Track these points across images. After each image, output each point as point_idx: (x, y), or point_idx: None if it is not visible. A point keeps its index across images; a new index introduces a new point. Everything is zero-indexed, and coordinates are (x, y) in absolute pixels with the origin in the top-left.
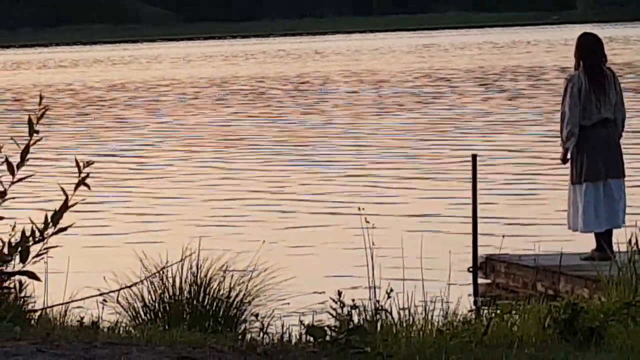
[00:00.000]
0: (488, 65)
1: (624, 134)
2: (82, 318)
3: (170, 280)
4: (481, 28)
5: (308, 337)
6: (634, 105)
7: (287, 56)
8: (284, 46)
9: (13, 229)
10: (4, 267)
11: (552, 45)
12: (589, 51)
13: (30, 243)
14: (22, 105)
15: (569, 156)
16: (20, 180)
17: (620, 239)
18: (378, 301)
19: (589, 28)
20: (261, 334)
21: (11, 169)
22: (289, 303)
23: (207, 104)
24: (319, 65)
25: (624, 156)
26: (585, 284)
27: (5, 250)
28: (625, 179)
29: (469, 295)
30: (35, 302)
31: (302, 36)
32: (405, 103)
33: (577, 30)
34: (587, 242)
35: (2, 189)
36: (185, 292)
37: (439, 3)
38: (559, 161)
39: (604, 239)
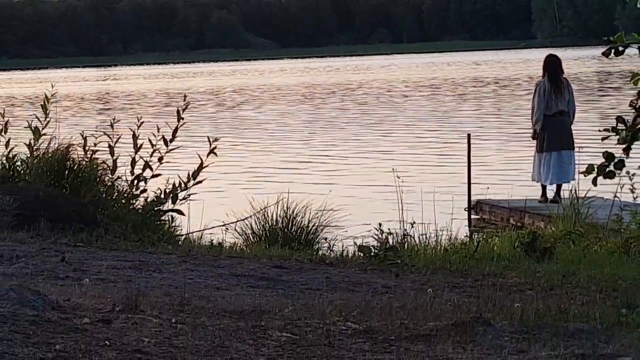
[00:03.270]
0: (479, 75)
1: (574, 121)
2: (211, 240)
3: (270, 215)
4: (474, 51)
5: (359, 253)
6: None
7: (337, 70)
8: (342, 63)
9: (167, 182)
10: (161, 207)
11: (519, 63)
12: (551, 66)
13: (178, 191)
14: (176, 102)
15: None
16: (171, 150)
17: (566, 189)
18: (405, 230)
19: (545, 51)
20: (329, 251)
21: (166, 143)
22: (347, 231)
23: (288, 101)
24: (361, 76)
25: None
26: (542, 218)
27: (162, 196)
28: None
29: (465, 226)
30: (181, 229)
31: (355, 57)
32: (420, 99)
33: (536, 53)
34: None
35: (160, 156)
36: (279, 223)
37: (447, 34)
38: (530, 137)
39: (556, 189)
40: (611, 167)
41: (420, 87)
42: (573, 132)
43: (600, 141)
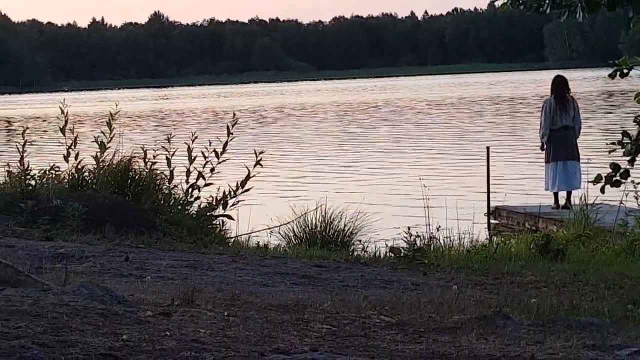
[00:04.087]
0: (495, 94)
1: (581, 134)
2: (258, 242)
3: (309, 220)
4: (491, 72)
5: (390, 254)
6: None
7: (366, 90)
8: (371, 84)
9: (218, 190)
10: (213, 212)
11: (531, 83)
12: (558, 86)
13: (228, 198)
14: (221, 118)
15: (544, 146)
16: (222, 161)
17: (576, 196)
18: (431, 233)
19: (555, 72)
20: (363, 252)
21: (217, 155)
22: (378, 234)
23: (322, 117)
24: (387, 95)
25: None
26: (554, 222)
27: (214, 202)
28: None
29: (485, 230)
30: (231, 232)
31: (384, 78)
32: (441, 115)
33: (547, 74)
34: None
35: (212, 167)
36: (318, 227)
37: (467, 58)
38: (539, 149)
39: (566, 196)
40: (617, 177)
41: (441, 105)
42: (579, 145)
43: (607, 153)
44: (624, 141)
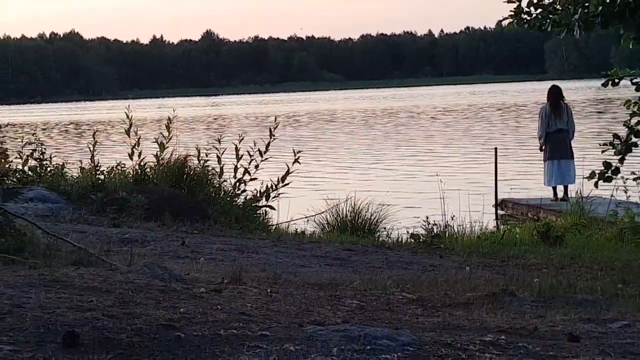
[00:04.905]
0: (502, 101)
1: (575, 137)
2: (296, 229)
3: (340, 210)
4: (498, 83)
5: (411, 239)
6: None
7: (385, 98)
8: (391, 93)
9: (262, 184)
10: (257, 203)
11: (532, 91)
12: (553, 94)
13: (270, 191)
14: (261, 122)
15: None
16: (265, 159)
17: (572, 190)
18: (447, 222)
19: (554, 82)
20: (387, 238)
21: (261, 154)
22: (401, 222)
23: (352, 122)
24: (406, 102)
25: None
26: (554, 213)
27: (258, 195)
28: (577, 158)
29: (493, 219)
30: (272, 220)
31: (404, 87)
32: (453, 120)
33: (546, 84)
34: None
35: (256, 164)
36: (348, 216)
37: (477, 70)
38: (538, 149)
39: (564, 190)
40: (609, 174)
41: (453, 112)
42: (574, 146)
43: (599, 152)
44: (614, 142)
